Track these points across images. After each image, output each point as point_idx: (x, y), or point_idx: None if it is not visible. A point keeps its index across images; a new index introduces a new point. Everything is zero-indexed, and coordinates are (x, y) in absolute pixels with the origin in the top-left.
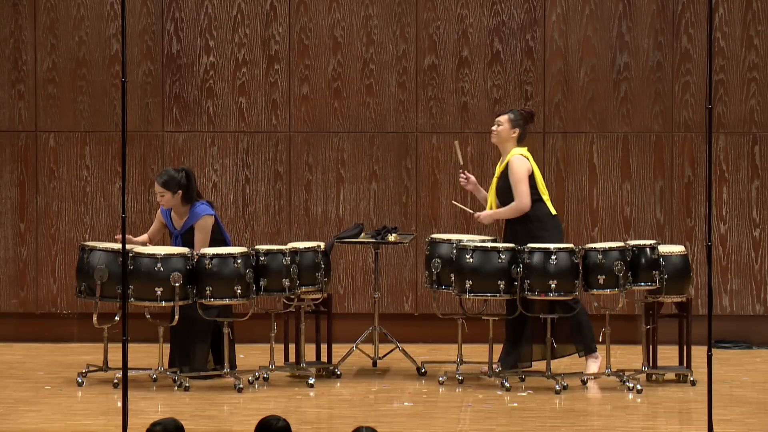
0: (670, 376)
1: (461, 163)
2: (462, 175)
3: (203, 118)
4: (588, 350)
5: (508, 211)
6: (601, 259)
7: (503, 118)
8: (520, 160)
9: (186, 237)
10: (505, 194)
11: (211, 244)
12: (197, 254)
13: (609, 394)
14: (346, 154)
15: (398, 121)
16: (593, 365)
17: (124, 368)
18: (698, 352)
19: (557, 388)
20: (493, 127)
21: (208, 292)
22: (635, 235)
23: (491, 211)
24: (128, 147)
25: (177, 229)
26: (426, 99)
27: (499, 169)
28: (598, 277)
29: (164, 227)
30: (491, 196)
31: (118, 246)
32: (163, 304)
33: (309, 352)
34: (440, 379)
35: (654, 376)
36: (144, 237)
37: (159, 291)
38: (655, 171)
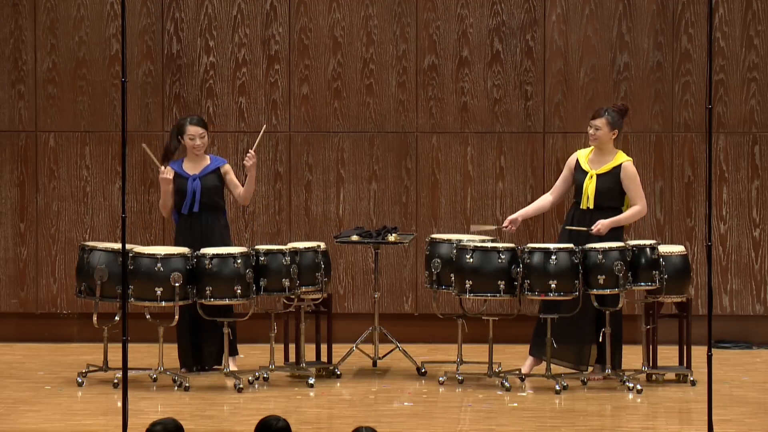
0: (670, 376)
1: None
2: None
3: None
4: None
5: (631, 217)
6: (601, 259)
7: (600, 122)
8: (634, 167)
9: (204, 181)
10: (605, 196)
11: None
12: (197, 254)
13: (609, 394)
14: (346, 154)
15: (398, 121)
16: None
17: (124, 368)
18: (698, 352)
19: (557, 388)
20: (590, 131)
21: (208, 292)
22: (635, 235)
23: (612, 219)
24: (128, 147)
25: (195, 173)
26: (426, 99)
27: (602, 170)
28: (598, 277)
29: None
30: (590, 194)
31: (118, 246)
32: (163, 304)
33: (309, 352)
34: (440, 379)
35: (654, 376)
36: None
37: (159, 291)
38: (655, 171)
